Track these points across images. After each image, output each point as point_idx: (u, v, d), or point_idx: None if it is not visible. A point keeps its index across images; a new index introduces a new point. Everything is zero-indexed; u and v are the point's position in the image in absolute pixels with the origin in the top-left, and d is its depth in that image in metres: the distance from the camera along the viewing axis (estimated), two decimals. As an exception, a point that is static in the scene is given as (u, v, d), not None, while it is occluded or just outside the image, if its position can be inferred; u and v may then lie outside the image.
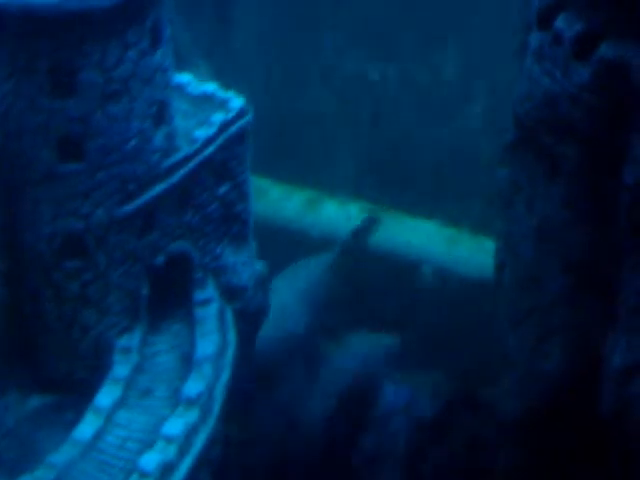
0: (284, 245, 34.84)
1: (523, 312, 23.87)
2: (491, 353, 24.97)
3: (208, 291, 26.15)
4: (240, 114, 26.30)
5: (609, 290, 21.44)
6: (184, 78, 27.05)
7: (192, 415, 22.63)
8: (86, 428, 22.40)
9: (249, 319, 27.41)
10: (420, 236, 36.46)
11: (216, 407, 23.47)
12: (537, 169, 22.53)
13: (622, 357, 20.42)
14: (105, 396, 23.23)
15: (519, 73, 22.89)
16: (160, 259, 24.88)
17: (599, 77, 20.69)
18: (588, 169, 21.65)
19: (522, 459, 23.47)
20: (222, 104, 26.47)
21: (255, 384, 28.69)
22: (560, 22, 21.33)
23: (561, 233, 22.50)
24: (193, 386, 23.22)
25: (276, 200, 38.94)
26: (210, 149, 25.47)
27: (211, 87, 27.08)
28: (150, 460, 21.41)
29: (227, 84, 27.30)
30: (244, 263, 27.48)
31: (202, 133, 25.48)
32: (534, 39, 21.98)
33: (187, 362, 24.13)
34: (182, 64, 26.83)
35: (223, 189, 26.36)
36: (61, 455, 21.80)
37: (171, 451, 21.70)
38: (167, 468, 21.45)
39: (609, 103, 20.80)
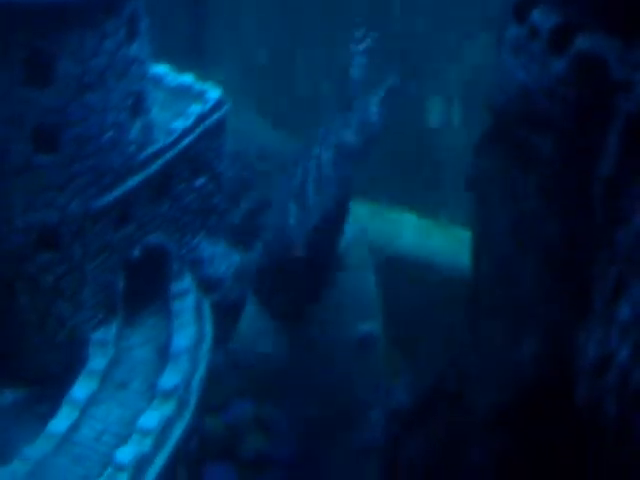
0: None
1: (498, 303, 23.87)
2: (467, 345, 24.95)
3: (185, 283, 26.10)
4: (217, 106, 26.23)
5: (586, 282, 21.44)
6: (161, 69, 26.95)
7: (168, 408, 22.59)
8: (61, 421, 22.37)
9: (227, 311, 27.38)
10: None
11: (193, 400, 23.45)
12: (512, 161, 22.48)
13: (596, 348, 20.40)
14: (81, 389, 23.18)
15: (494, 66, 22.83)
16: (136, 252, 24.80)
17: (576, 70, 20.64)
18: (564, 161, 21.61)
19: (498, 451, 23.49)
20: (199, 95, 26.39)
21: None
22: (536, 15, 21.22)
23: (537, 225, 22.46)
24: (169, 379, 23.18)
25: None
26: (187, 141, 25.39)
27: (188, 78, 26.98)
28: (126, 453, 21.38)
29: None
30: (221, 255, 27.43)
31: (179, 125, 25.38)
32: (510, 32, 21.90)
33: (163, 355, 24.09)
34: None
35: (200, 181, 26.30)
36: (36, 448, 21.77)
37: (147, 444, 21.66)
38: (143, 461, 21.42)
39: (586, 96, 20.76)
